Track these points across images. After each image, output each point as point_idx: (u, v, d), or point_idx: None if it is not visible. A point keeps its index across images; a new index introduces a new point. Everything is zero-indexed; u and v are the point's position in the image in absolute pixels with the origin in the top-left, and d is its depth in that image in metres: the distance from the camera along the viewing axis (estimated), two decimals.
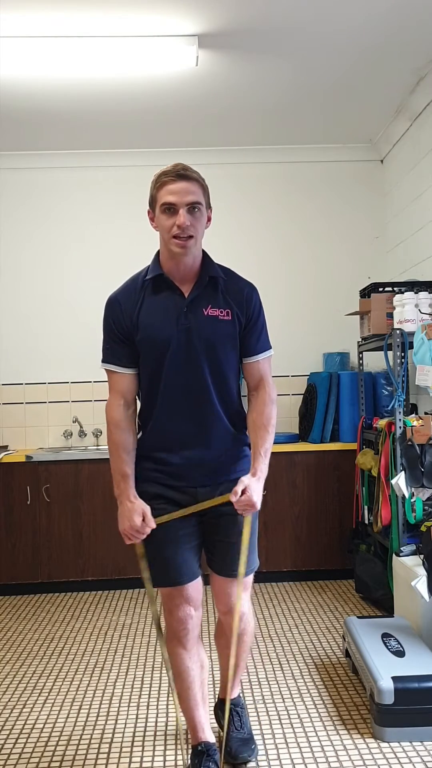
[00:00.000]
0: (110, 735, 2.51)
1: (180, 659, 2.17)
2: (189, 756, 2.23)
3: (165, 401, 2.09)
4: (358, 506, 4.10)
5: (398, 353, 3.51)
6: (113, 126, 4.34)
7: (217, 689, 2.67)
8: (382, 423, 3.64)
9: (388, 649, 2.66)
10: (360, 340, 4.22)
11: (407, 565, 3.11)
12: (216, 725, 2.48)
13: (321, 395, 4.37)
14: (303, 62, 3.61)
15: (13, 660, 3.26)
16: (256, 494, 2.04)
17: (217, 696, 2.60)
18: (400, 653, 2.62)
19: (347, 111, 4.27)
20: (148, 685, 2.92)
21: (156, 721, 2.59)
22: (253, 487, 2.04)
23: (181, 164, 2.03)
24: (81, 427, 4.74)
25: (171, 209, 2.00)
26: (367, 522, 3.95)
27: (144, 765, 2.30)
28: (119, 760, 2.34)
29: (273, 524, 4.23)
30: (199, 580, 2.17)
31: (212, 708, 2.55)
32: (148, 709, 2.70)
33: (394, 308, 3.67)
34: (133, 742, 2.45)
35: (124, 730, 2.54)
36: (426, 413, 3.62)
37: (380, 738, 2.40)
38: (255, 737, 2.39)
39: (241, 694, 2.51)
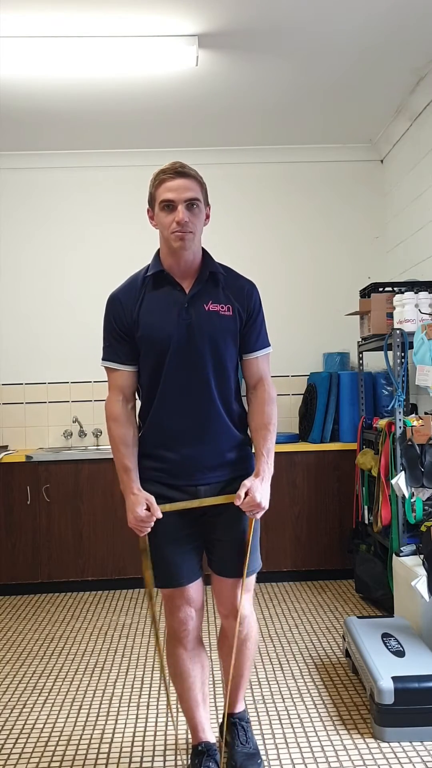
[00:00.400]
0: (110, 735, 2.51)
1: (180, 660, 2.17)
2: (189, 756, 2.23)
3: (165, 398, 2.09)
4: (358, 506, 4.10)
5: (398, 353, 3.51)
6: (113, 126, 4.34)
7: (217, 689, 2.66)
8: (382, 423, 3.64)
9: (388, 649, 2.66)
10: (360, 340, 4.23)
11: (407, 565, 3.11)
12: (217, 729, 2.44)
13: (321, 395, 4.37)
14: (303, 62, 3.61)
15: (13, 660, 3.26)
16: (261, 495, 2.03)
17: (220, 712, 2.49)
18: (400, 653, 2.62)
19: (347, 111, 4.27)
20: (148, 685, 2.92)
21: (156, 721, 2.59)
22: (256, 488, 2.03)
23: (179, 162, 2.04)
24: (81, 427, 4.74)
25: (170, 206, 2.01)
26: (367, 522, 3.95)
27: (144, 765, 2.30)
28: (119, 760, 2.34)
29: (273, 524, 4.22)
30: (200, 582, 2.16)
31: (216, 725, 2.46)
32: (148, 709, 2.70)
33: (394, 308, 3.67)
34: (133, 742, 2.45)
35: (124, 730, 2.54)
36: (426, 413, 3.62)
37: (380, 738, 2.40)
38: (255, 738, 2.37)
39: (246, 709, 2.42)
